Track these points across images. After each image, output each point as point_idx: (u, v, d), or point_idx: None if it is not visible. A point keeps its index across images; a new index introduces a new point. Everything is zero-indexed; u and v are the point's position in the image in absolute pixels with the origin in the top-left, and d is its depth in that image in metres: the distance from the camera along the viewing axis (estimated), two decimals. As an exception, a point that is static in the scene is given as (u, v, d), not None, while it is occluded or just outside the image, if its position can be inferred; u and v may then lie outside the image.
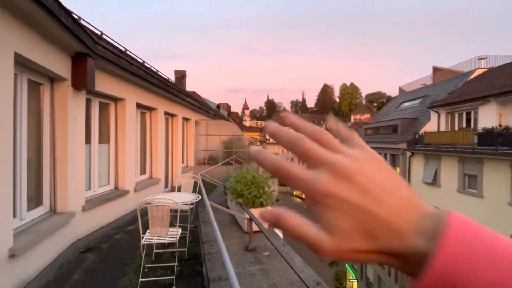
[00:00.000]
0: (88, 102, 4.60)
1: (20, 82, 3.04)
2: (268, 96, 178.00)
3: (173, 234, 3.30)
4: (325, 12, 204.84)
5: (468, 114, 15.09)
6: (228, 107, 28.48)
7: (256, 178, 3.24)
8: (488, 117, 13.20)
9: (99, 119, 4.95)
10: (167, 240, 3.28)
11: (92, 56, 3.99)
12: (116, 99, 5.35)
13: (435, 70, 23.42)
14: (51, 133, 3.64)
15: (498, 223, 11.34)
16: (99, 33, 4.80)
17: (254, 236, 2.63)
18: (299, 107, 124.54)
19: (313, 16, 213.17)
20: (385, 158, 20.57)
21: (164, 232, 3.20)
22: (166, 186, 7.97)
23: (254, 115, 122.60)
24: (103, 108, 5.14)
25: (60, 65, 3.54)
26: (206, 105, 12.20)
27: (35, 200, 3.42)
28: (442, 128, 16.17)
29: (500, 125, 12.09)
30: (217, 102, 27.87)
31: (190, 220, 4.50)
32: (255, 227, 2.57)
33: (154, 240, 3.27)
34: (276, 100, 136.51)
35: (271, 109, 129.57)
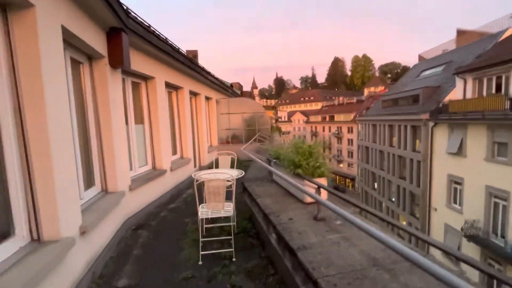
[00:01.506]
0: (122, 82, 4.50)
1: (64, 60, 2.94)
2: (276, 74, 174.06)
3: (228, 208, 3.30)
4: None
5: (499, 78, 14.11)
6: (240, 86, 27.99)
7: (312, 148, 3.14)
8: (522, 80, 12.35)
9: (133, 99, 4.88)
10: (222, 214, 3.28)
11: (125, 31, 3.82)
12: (146, 78, 5.23)
13: (460, 33, 21.84)
14: (95, 114, 3.59)
15: (531, 190, 11.01)
16: (125, 7, 4.57)
17: (320, 206, 2.56)
18: (309, 83, 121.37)
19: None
20: (405, 130, 19.94)
21: (220, 206, 3.19)
22: (195, 166, 8.03)
23: (263, 94, 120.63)
24: (135, 87, 5.04)
25: (98, 42, 3.40)
26: (224, 84, 11.95)
27: (87, 180, 3.45)
28: (469, 96, 15.30)
29: (536, 88, 11.31)
30: (228, 82, 27.34)
31: (234, 195, 4.50)
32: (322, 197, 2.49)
33: (210, 214, 3.28)
34: (285, 77, 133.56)
35: (280, 87, 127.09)
